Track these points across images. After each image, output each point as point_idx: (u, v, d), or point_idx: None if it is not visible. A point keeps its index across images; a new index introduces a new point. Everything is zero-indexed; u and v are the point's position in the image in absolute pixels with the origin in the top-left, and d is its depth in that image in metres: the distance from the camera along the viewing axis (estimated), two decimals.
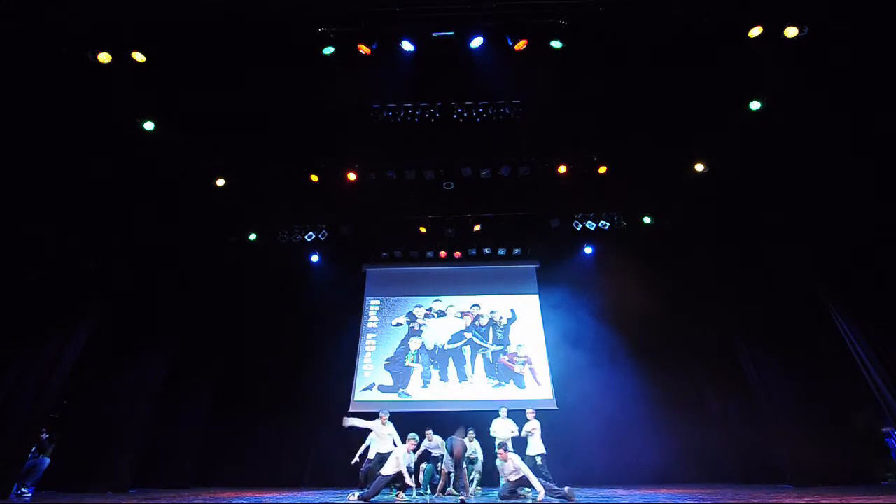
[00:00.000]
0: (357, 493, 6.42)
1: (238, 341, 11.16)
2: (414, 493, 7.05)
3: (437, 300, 12.22)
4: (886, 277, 6.93)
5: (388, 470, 6.64)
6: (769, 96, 7.52)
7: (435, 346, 11.50)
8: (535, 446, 7.35)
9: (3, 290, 7.00)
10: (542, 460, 7.24)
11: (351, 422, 7.40)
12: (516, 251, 12.40)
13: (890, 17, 6.05)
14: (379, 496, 7.26)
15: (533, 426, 7.44)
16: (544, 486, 6.17)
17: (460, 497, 6.52)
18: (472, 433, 7.98)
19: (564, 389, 10.79)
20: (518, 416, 8.01)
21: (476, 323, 11.86)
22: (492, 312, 11.99)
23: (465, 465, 7.31)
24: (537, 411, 8.04)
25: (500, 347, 11.46)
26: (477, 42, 7.04)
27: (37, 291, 7.50)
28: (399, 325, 11.91)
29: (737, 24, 6.72)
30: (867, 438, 8.49)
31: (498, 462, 6.80)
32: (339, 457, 9.91)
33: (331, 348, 11.42)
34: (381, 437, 7.42)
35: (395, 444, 7.32)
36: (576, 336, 11.18)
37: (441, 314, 12.03)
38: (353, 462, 7.83)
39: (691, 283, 10.22)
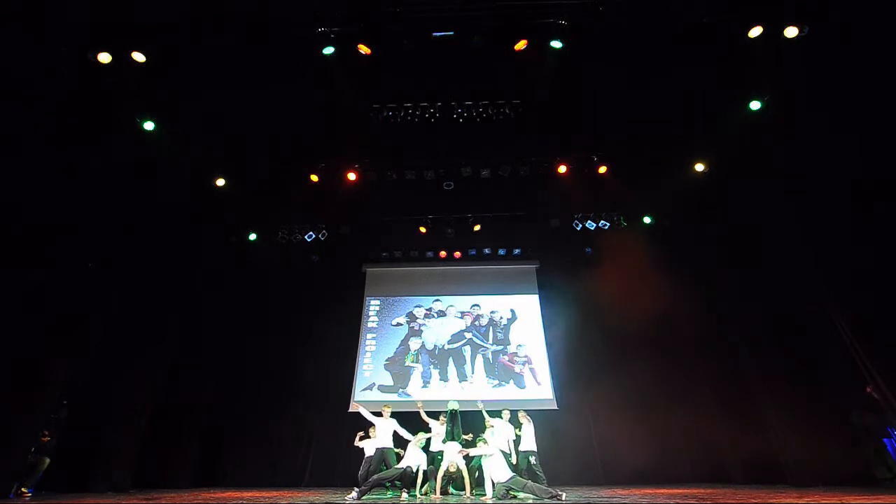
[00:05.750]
0: (356, 491, 6.41)
1: (238, 342, 11.15)
2: (417, 493, 7.04)
3: (437, 300, 12.22)
4: (887, 277, 6.92)
5: (407, 461, 6.80)
6: (769, 96, 7.52)
7: (435, 346, 11.50)
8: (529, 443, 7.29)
9: (3, 291, 6.99)
10: (535, 459, 7.18)
11: (359, 409, 7.72)
12: (516, 251, 12.41)
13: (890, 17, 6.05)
14: (379, 496, 7.27)
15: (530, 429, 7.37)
16: (537, 488, 6.12)
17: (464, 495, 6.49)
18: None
19: (564, 389, 10.79)
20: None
21: (476, 323, 11.86)
22: (492, 312, 11.99)
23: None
24: (537, 411, 7.93)
25: (500, 347, 11.46)
26: (477, 42, 7.04)
27: (36, 292, 7.50)
28: (399, 325, 11.91)
29: (737, 24, 6.73)
30: (867, 438, 8.48)
31: (483, 463, 6.74)
32: (339, 456, 9.95)
33: (331, 348, 11.41)
34: (382, 432, 7.42)
35: (393, 440, 7.41)
36: (575, 336, 11.18)
37: (441, 314, 12.03)
38: (356, 444, 7.87)
39: (691, 283, 10.20)
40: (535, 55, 7.21)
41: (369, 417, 7.62)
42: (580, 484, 9.32)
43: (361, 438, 7.90)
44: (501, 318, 11.91)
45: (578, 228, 10.66)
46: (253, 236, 10.99)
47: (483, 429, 7.35)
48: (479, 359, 11.28)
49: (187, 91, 7.56)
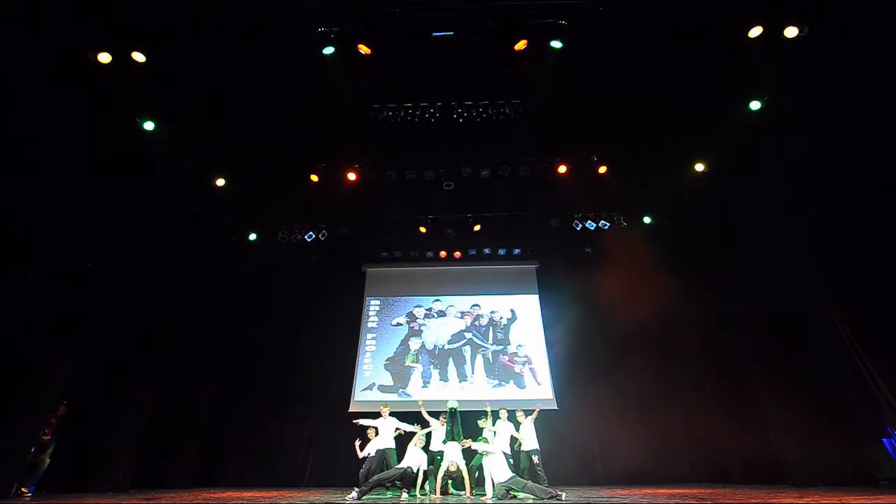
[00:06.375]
0: (356, 491, 6.41)
1: (238, 341, 11.15)
2: (417, 493, 7.03)
3: (437, 300, 12.21)
4: (887, 277, 6.93)
5: (407, 461, 6.79)
6: (769, 96, 7.52)
7: (435, 346, 11.50)
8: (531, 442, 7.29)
9: (3, 291, 7.00)
10: (538, 458, 7.18)
11: (360, 420, 7.83)
12: (516, 251, 12.40)
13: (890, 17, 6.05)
14: (379, 496, 7.27)
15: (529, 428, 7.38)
16: (537, 488, 6.10)
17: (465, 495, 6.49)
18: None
19: (564, 389, 10.79)
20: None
21: (476, 323, 11.85)
22: (492, 312, 11.99)
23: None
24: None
25: (500, 347, 11.45)
26: (477, 42, 7.04)
27: (36, 291, 7.50)
28: (399, 325, 11.90)
29: (737, 24, 6.73)
30: (867, 439, 8.48)
31: (484, 462, 6.75)
32: (339, 456, 9.95)
33: (331, 348, 11.41)
34: (383, 432, 7.42)
35: (395, 438, 7.46)
36: (576, 336, 11.17)
37: (441, 314, 12.02)
38: (360, 456, 7.78)
39: (691, 283, 10.21)
40: (535, 55, 7.21)
41: (369, 423, 7.63)
42: (580, 484, 9.32)
43: (362, 447, 7.80)
44: (501, 318, 11.91)
45: (578, 228, 10.66)
46: (253, 236, 10.98)
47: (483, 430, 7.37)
48: (479, 359, 11.28)
49: (187, 91, 7.55)
